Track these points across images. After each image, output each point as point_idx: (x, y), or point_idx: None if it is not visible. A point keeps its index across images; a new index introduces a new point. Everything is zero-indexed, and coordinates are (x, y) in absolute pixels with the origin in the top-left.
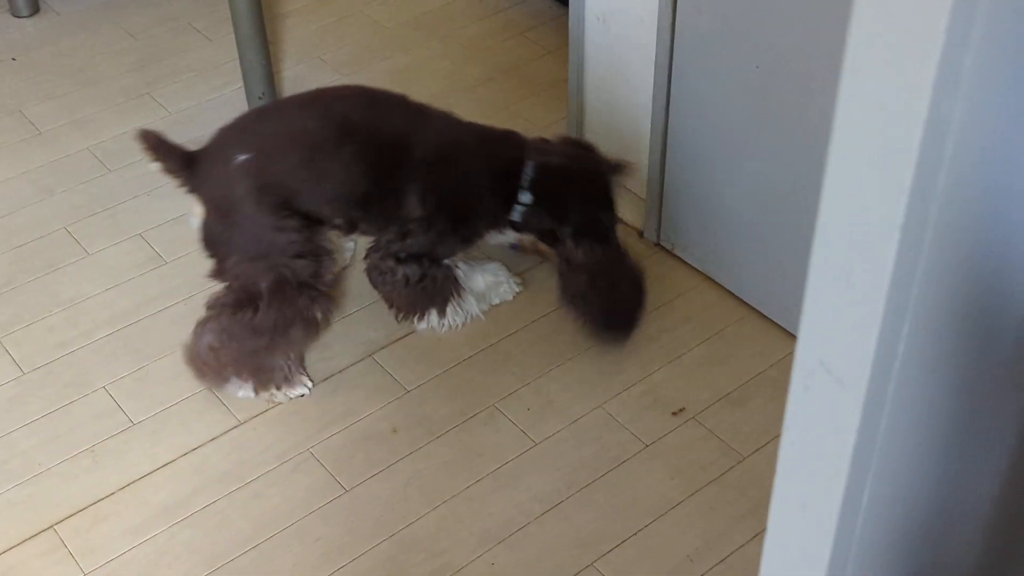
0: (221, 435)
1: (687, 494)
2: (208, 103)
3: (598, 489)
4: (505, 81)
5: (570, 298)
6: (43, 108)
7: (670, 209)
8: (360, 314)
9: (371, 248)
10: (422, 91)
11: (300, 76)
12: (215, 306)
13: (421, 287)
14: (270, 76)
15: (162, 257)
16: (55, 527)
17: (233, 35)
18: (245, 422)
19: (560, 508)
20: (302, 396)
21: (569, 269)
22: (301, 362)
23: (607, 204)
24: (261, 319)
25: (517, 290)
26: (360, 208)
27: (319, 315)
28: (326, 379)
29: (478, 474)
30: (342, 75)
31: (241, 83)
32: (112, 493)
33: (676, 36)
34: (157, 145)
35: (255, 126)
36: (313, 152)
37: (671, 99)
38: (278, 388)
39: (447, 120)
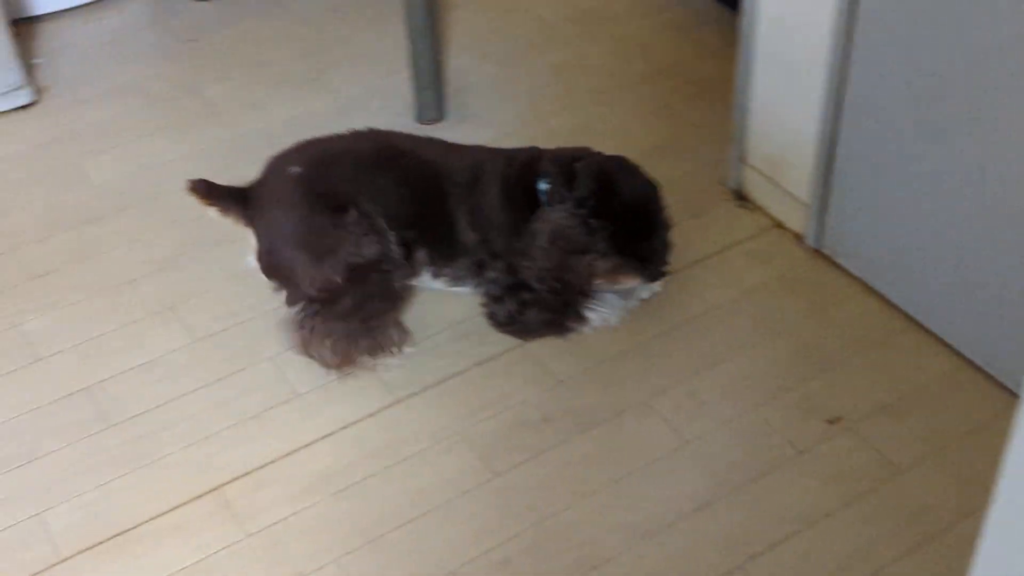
0: (379, 411)
1: (839, 504)
2: (375, 89)
3: (748, 492)
4: (666, 80)
5: (529, 249)
6: (219, 88)
7: (834, 215)
8: None
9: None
10: (582, 87)
11: (463, 67)
12: (304, 316)
13: (536, 313)
14: (437, 66)
15: None
16: (221, 488)
17: (401, 24)
18: (401, 400)
19: (709, 508)
20: (407, 352)
21: (541, 220)
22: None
23: (613, 190)
24: (344, 307)
25: (657, 290)
26: (413, 229)
27: (396, 286)
28: (480, 364)
29: (627, 468)
30: (503, 67)
31: (407, 72)
32: (275, 460)
33: (852, 41)
34: (208, 191)
35: (305, 148)
36: (362, 168)
37: (843, 103)
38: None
39: (473, 148)
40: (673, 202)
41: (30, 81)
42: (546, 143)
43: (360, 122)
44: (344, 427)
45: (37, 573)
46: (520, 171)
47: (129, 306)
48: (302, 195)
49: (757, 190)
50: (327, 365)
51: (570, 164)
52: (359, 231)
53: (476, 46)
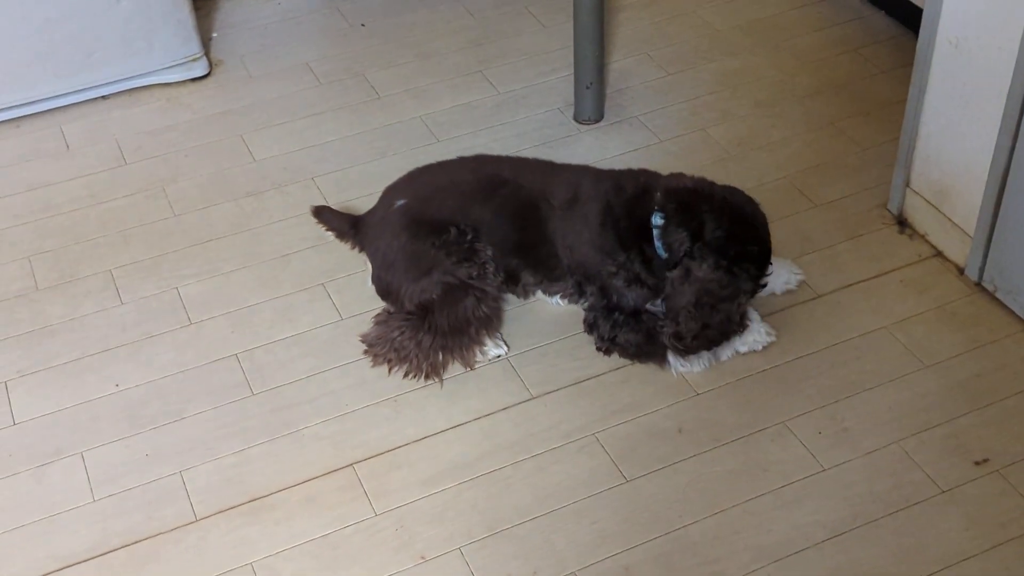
0: (513, 405)
1: (981, 549)
2: (536, 86)
3: (885, 526)
4: (834, 96)
5: (670, 307)
6: (384, 74)
7: (999, 249)
8: None
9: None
10: (746, 97)
11: (627, 70)
12: (396, 319)
13: (628, 334)
14: (600, 67)
15: None
16: (354, 466)
17: (567, 23)
18: (537, 397)
19: (843, 538)
20: (499, 357)
21: (683, 277)
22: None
23: (748, 225)
24: (436, 322)
25: (769, 340)
26: (515, 256)
27: (486, 312)
28: (616, 369)
29: (761, 489)
30: (667, 73)
31: (570, 70)
32: (408, 443)
33: None
34: (327, 215)
35: (413, 180)
36: (464, 199)
37: (1020, 133)
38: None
39: (577, 168)
40: (830, 222)
41: (206, 54)
42: (702, 153)
43: (519, 117)
44: (477, 418)
45: (174, 529)
46: (631, 201)
47: (281, 280)
48: (405, 225)
49: (919, 217)
50: (412, 372)
51: (688, 198)
52: (456, 254)
53: (641, 49)
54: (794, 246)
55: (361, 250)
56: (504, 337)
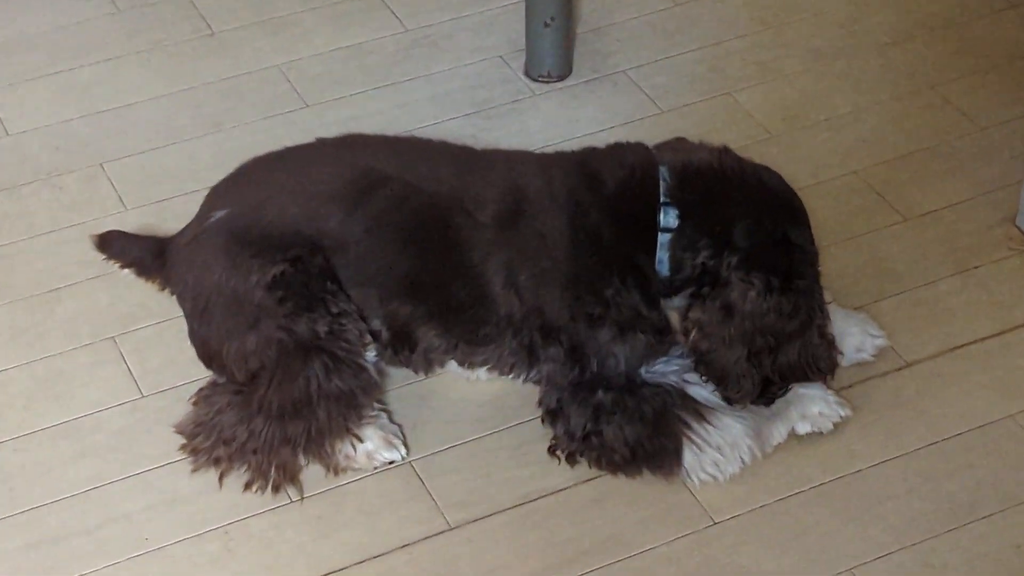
0: (419, 541)
1: None
2: (466, 21)
3: None
4: (933, 43)
5: (713, 367)
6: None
7: None
8: None
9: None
10: (799, 43)
11: None
12: (220, 392)
13: (619, 428)
14: None
15: None
16: None
17: None
18: (457, 527)
19: None
20: (391, 464)
21: (723, 317)
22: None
23: (796, 220)
24: (274, 401)
25: (843, 413)
26: (407, 301)
27: (341, 387)
28: (585, 482)
29: None
30: (674, 3)
31: None
32: None
33: None
34: (119, 245)
35: (241, 179)
36: (318, 207)
37: None
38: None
39: (511, 156)
40: (928, 246)
41: None
42: (727, 130)
43: (439, 69)
44: (362, 561)
45: None
46: (617, 196)
47: (45, 331)
48: (222, 249)
49: None
50: (254, 479)
51: (711, 184)
52: (293, 298)
53: None
54: (870, 284)
55: (168, 287)
56: (404, 429)
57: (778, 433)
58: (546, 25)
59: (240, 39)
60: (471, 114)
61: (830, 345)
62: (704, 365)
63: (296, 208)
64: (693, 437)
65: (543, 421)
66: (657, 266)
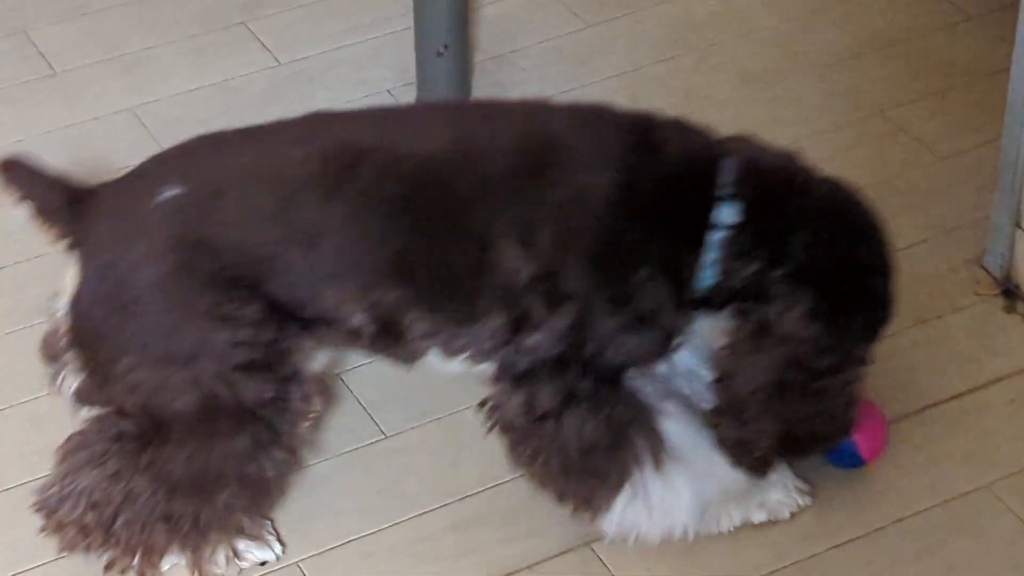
0: None
1: None
2: (347, 51)
3: None
4: (881, 63)
5: (729, 392)
6: (62, 32)
7: None
8: None
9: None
10: (730, 65)
11: (513, 17)
12: (96, 437)
13: (586, 423)
14: (462, 14)
15: None
16: None
17: None
18: None
19: None
20: (264, 564)
21: (756, 335)
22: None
23: (870, 242)
24: (171, 463)
25: (801, 502)
26: (396, 284)
27: (269, 471)
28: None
29: None
30: (587, 23)
31: (408, 21)
32: None
33: None
34: (26, 178)
35: (196, 155)
36: (293, 192)
37: None
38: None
39: (525, 105)
40: None
41: None
42: None
43: (318, 105)
44: None
45: None
46: (677, 174)
47: None
48: (175, 241)
49: None
50: (86, 530)
51: (777, 187)
52: (251, 343)
53: None
54: None
55: (71, 246)
56: (284, 523)
57: (727, 521)
58: (439, 54)
59: (86, 80)
60: None
61: (850, 408)
62: (723, 390)
63: (264, 200)
64: (637, 477)
65: (495, 382)
66: (701, 270)
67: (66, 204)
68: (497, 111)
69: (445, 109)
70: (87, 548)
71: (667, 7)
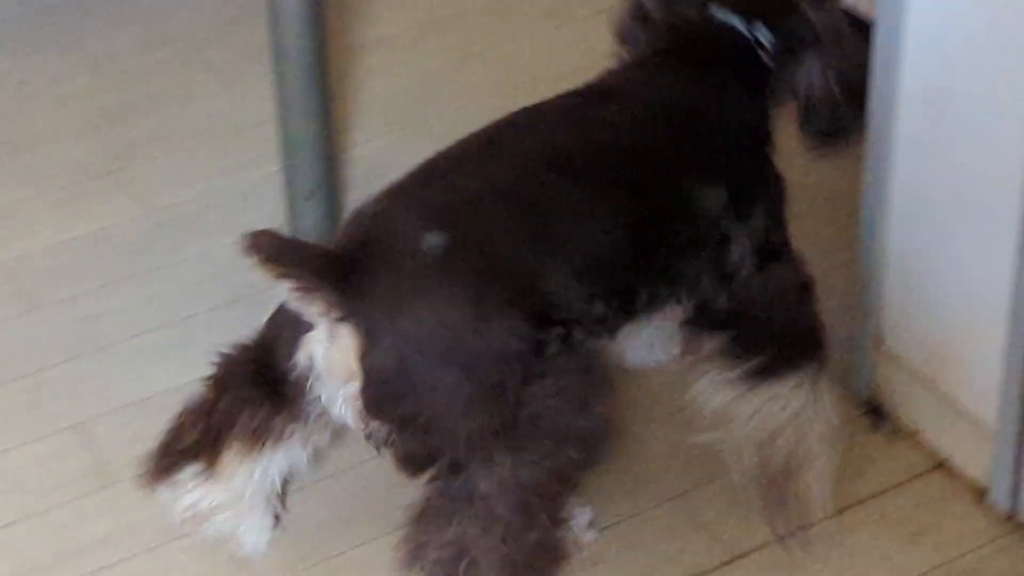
0: None
1: None
2: (217, 198)
3: None
4: None
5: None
6: None
7: None
8: None
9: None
10: None
11: (384, 157)
12: (444, 504)
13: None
14: (330, 158)
15: None
16: None
17: (268, 77)
18: None
19: None
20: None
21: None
22: None
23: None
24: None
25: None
26: (634, 263)
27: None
28: None
29: None
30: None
31: (276, 164)
32: None
33: None
34: (278, 250)
35: (434, 187)
36: (531, 204)
37: None
38: None
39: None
40: None
41: None
42: None
43: (187, 256)
44: None
45: None
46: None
47: None
48: (459, 285)
49: (904, 401)
50: None
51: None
52: (570, 390)
53: (409, 115)
54: (692, 467)
55: (345, 319)
56: None
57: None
58: (307, 199)
59: None
60: (230, 304)
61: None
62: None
63: (512, 219)
64: None
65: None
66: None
67: (328, 278)
68: (611, 96)
69: (561, 104)
70: None
71: None
